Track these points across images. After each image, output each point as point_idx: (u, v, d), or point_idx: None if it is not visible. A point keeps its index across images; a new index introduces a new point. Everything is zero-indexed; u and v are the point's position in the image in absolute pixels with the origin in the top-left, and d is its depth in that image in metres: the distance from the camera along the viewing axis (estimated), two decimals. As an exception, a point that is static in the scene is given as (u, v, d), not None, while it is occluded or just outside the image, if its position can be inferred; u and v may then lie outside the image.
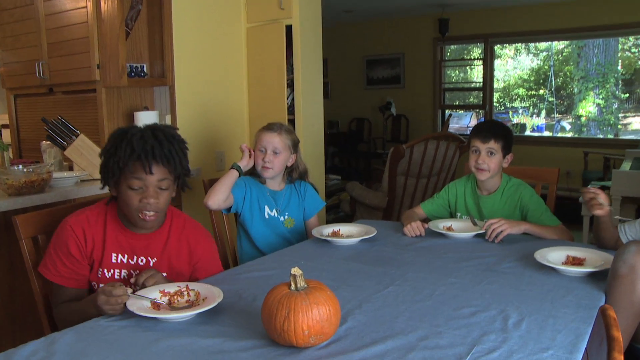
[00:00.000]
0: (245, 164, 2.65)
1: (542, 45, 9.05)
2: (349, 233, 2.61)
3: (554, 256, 2.14)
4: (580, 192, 2.28)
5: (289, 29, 3.91)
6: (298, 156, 2.81)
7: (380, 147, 9.63)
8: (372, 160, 9.43)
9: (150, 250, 2.01)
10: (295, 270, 1.47)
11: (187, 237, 2.07)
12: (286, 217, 2.78)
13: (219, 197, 2.57)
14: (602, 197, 2.22)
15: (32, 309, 2.80)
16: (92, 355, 1.46)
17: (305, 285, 1.49)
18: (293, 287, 1.48)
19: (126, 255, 1.98)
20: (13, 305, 2.86)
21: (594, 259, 2.10)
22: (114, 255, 1.97)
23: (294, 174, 2.83)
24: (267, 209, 2.75)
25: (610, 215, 2.27)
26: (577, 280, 1.96)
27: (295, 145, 2.77)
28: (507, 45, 9.20)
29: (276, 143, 2.68)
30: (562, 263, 2.10)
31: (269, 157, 2.67)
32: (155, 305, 1.74)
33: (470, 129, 9.23)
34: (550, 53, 9.02)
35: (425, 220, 2.81)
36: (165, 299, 1.78)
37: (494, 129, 2.68)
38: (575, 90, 8.89)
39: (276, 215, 2.75)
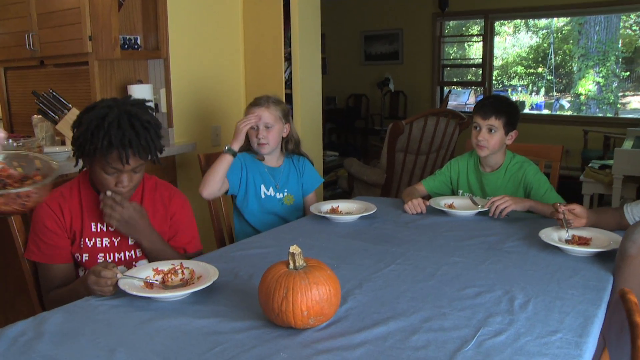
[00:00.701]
0: (239, 144, 2.52)
1: (542, 22, 8.93)
2: (348, 210, 2.55)
3: (560, 235, 2.08)
4: (554, 208, 2.16)
5: (286, 0, 3.80)
6: (292, 125, 2.72)
7: (378, 123, 9.54)
8: (370, 137, 9.35)
9: None
10: (294, 249, 1.41)
11: (160, 195, 2.08)
12: (285, 193, 2.70)
13: (214, 187, 2.50)
14: (577, 210, 2.13)
15: (23, 288, 2.75)
16: (82, 336, 1.40)
17: (304, 264, 1.42)
18: (291, 265, 1.41)
19: (105, 224, 1.96)
20: (5, 285, 2.80)
21: (601, 239, 2.04)
22: (93, 224, 1.97)
23: (290, 145, 2.75)
24: (263, 188, 2.66)
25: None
26: (583, 260, 1.90)
27: (286, 115, 2.69)
28: (506, 22, 9.07)
29: (266, 117, 2.59)
30: (568, 243, 2.04)
31: (262, 132, 2.59)
32: (148, 284, 1.68)
33: (469, 106, 9.21)
34: (550, 30, 8.91)
35: (426, 197, 2.75)
36: (158, 278, 1.72)
37: (495, 105, 2.60)
38: (575, 68, 8.80)
39: (273, 194, 2.67)
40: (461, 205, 2.59)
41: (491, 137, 2.57)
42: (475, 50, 9.28)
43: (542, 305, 1.53)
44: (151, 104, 2.02)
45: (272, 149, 2.64)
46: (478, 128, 2.60)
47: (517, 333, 1.37)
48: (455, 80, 9.52)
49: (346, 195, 5.23)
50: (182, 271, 1.76)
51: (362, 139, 9.56)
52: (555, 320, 1.44)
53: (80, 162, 1.98)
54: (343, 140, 9.85)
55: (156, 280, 1.71)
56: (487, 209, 2.44)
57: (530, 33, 9.24)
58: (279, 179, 2.70)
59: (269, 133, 2.60)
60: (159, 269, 1.75)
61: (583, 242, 2.04)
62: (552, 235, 2.06)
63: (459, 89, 9.58)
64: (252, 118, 2.56)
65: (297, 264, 1.41)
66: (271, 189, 2.68)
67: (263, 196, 2.66)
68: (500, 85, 9.31)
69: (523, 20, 9.00)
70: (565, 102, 8.95)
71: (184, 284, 1.71)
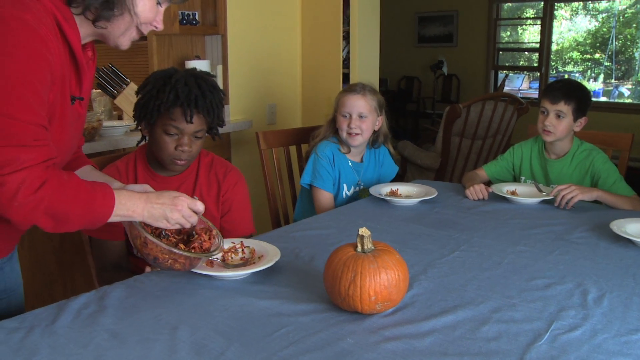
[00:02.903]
0: None
1: (601, 5, 8.61)
2: (408, 193, 2.49)
3: (633, 228, 1.96)
4: None
5: (346, -22, 3.74)
6: (384, 118, 2.59)
7: (429, 107, 9.39)
8: (421, 120, 9.21)
9: (182, 192, 1.96)
10: (363, 231, 1.36)
11: (215, 172, 2.07)
12: (361, 187, 2.62)
13: None
14: None
15: (81, 258, 2.79)
16: (143, 311, 1.39)
17: (373, 247, 1.38)
18: (359, 248, 1.37)
19: None
20: (63, 252, 2.85)
21: (677, 233, 1.94)
22: None
23: (380, 138, 2.61)
24: (345, 188, 2.57)
25: None
26: (659, 255, 1.81)
27: (381, 107, 2.54)
28: (564, 5, 8.78)
29: (361, 107, 2.46)
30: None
31: (355, 122, 2.45)
32: (209, 262, 1.66)
33: (522, 92, 8.98)
34: (612, 13, 8.59)
35: (487, 182, 2.67)
36: (218, 256, 1.70)
37: (565, 89, 2.49)
38: (637, 54, 8.48)
39: (353, 191, 2.59)
40: (524, 193, 2.50)
41: (559, 122, 2.47)
42: (529, 35, 9.03)
43: (618, 301, 1.46)
44: (216, 79, 2.02)
45: (363, 140, 2.51)
46: (545, 112, 2.50)
47: (594, 329, 1.30)
48: (507, 64, 9.29)
49: (399, 178, 5.15)
50: (243, 250, 1.73)
51: (413, 122, 9.42)
52: (634, 318, 1.36)
53: (138, 137, 1.99)
54: (394, 123, 9.68)
55: (216, 258, 1.69)
56: (552, 197, 2.35)
57: (589, 17, 8.92)
58: (361, 174, 2.61)
59: (362, 123, 2.46)
60: (219, 246, 1.73)
61: (658, 236, 1.94)
62: (624, 227, 1.97)
63: (512, 74, 9.35)
64: None
65: (365, 247, 1.37)
66: (353, 188, 2.59)
67: (344, 196, 2.57)
68: (554, 71, 9.05)
69: (581, 3, 8.70)
70: (624, 90, 8.65)
71: (244, 263, 1.68)
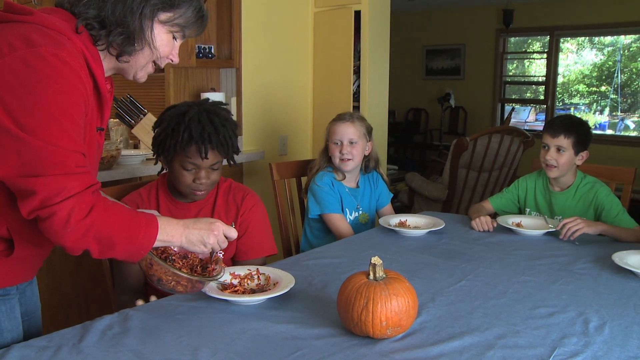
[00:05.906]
0: None
1: (607, 40, 8.74)
2: (416, 224, 2.57)
3: (634, 260, 2.03)
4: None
5: (357, 14, 3.85)
6: (373, 144, 2.73)
7: (436, 138, 9.49)
8: (428, 152, 9.31)
9: (202, 217, 2.03)
10: (376, 260, 1.44)
11: (233, 196, 2.14)
12: (361, 212, 2.72)
13: None
14: None
15: (97, 282, 2.87)
16: (166, 334, 1.46)
17: (384, 276, 1.46)
18: (371, 276, 1.45)
19: None
20: (79, 276, 2.92)
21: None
22: None
23: (371, 163, 2.74)
24: (348, 212, 2.68)
25: None
26: (659, 286, 1.87)
27: (369, 133, 2.69)
28: (570, 39, 8.91)
29: (351, 133, 2.60)
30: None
31: (347, 148, 2.59)
32: (225, 288, 1.73)
33: (529, 124, 9.08)
34: (617, 47, 8.71)
35: (493, 214, 2.74)
36: (235, 282, 1.78)
37: (565, 124, 2.57)
38: (643, 87, 8.58)
39: (355, 216, 2.69)
40: (529, 224, 2.57)
41: (560, 156, 2.54)
42: (536, 67, 9.15)
43: (618, 330, 1.52)
44: (228, 107, 2.10)
45: (355, 165, 2.64)
46: (547, 147, 2.58)
47: (594, 356, 1.37)
48: (513, 97, 9.40)
49: (406, 209, 5.23)
50: (258, 277, 1.81)
51: (420, 154, 9.52)
52: (634, 346, 1.42)
53: (159, 165, 2.07)
54: (401, 154, 9.83)
55: (221, 281, 1.75)
56: (556, 229, 2.42)
57: (594, 50, 9.05)
58: (359, 199, 2.71)
59: (353, 148, 2.60)
60: (235, 273, 1.81)
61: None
62: (626, 259, 2.03)
63: (519, 106, 9.46)
64: None
65: (377, 275, 1.45)
66: (354, 212, 2.69)
67: (349, 220, 2.67)
68: (561, 104, 9.16)
69: (587, 37, 8.83)
70: (630, 122, 8.74)
71: (260, 289, 1.76)
